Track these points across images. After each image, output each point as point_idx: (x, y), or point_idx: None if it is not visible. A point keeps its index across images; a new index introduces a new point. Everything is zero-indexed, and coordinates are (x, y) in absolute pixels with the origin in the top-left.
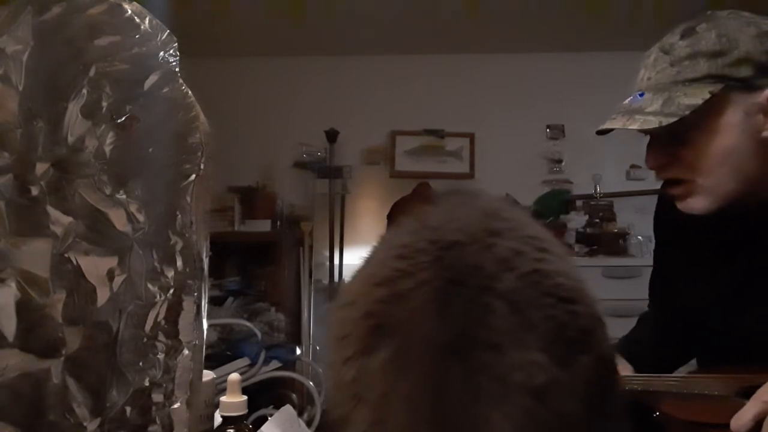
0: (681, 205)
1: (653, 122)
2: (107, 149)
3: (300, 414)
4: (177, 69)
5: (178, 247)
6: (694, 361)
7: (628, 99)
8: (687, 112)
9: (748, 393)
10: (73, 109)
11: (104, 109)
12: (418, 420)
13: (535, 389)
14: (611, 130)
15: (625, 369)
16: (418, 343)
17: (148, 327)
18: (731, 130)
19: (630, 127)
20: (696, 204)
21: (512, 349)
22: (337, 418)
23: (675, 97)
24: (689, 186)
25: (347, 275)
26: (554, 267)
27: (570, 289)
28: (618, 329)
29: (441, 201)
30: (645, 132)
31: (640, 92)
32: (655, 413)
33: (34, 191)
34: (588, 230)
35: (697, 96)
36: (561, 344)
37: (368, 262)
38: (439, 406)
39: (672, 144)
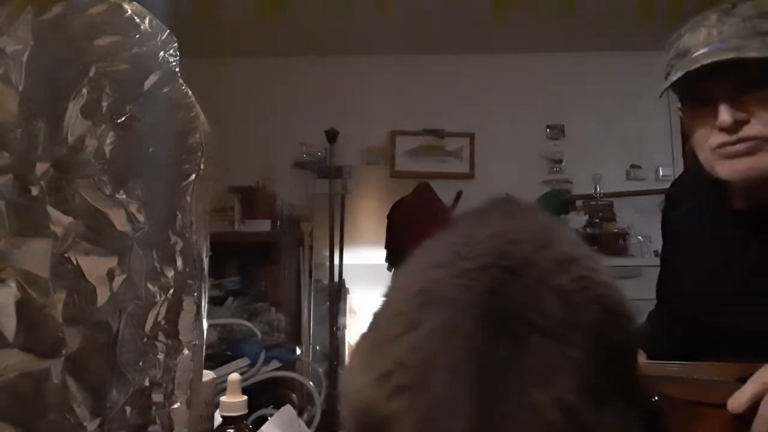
0: (736, 164)
1: (765, 51)
2: (107, 149)
3: (300, 414)
4: (177, 69)
5: (178, 247)
6: None
7: (699, 52)
8: None
9: (747, 379)
10: (73, 109)
11: (104, 109)
12: (462, 385)
13: (576, 384)
14: (721, 61)
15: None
16: (469, 318)
17: (148, 327)
18: None
19: (749, 55)
20: (761, 165)
21: (560, 341)
22: (379, 396)
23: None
24: (758, 144)
25: (347, 275)
26: (602, 279)
27: (615, 301)
28: None
29: (496, 205)
30: (714, 78)
31: (712, 45)
32: (654, 398)
33: (34, 191)
34: (588, 230)
35: None
36: (600, 349)
37: (425, 250)
38: (483, 377)
39: (751, 100)
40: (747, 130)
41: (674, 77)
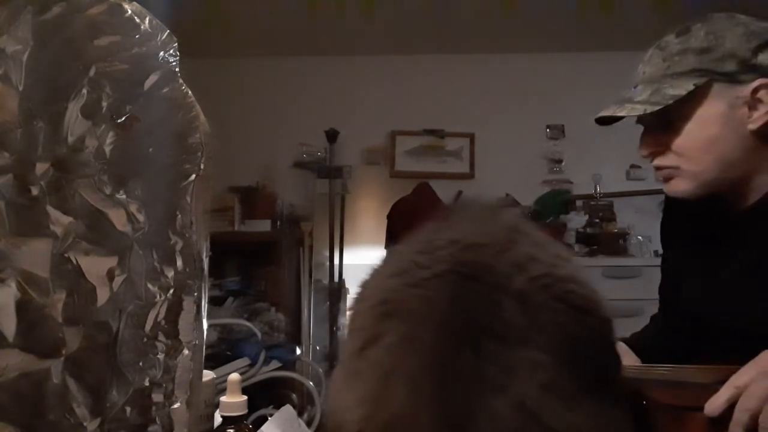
0: (666, 187)
1: (639, 110)
2: (107, 149)
3: (300, 414)
4: (177, 69)
5: (178, 247)
6: None
7: (625, 92)
8: (670, 102)
9: (726, 382)
10: (73, 109)
11: (104, 109)
12: (420, 398)
13: (537, 387)
14: (607, 118)
15: (632, 361)
16: (428, 328)
17: (148, 327)
18: (716, 121)
19: (618, 114)
20: (679, 186)
21: (520, 345)
22: (341, 407)
23: (662, 88)
24: (675, 170)
25: (347, 275)
26: (567, 273)
27: (581, 297)
28: (618, 329)
29: (462, 208)
30: (638, 120)
31: (635, 85)
32: (643, 401)
33: (34, 191)
34: (588, 230)
35: (682, 87)
36: (567, 349)
37: (386, 259)
38: (442, 386)
39: (662, 133)
40: (659, 160)
41: (596, 115)
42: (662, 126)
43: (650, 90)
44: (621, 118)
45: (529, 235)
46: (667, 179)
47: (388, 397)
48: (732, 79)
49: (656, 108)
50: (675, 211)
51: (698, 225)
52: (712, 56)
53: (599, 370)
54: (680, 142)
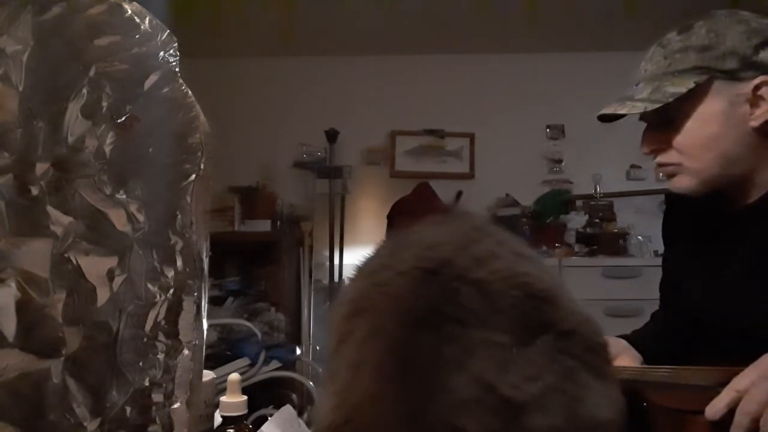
0: (669, 184)
1: (640, 107)
2: (107, 149)
3: (300, 414)
4: (177, 69)
5: (178, 247)
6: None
7: (627, 90)
8: (671, 99)
9: (727, 384)
10: (73, 109)
11: (104, 109)
12: (382, 381)
13: (495, 363)
14: (608, 116)
15: (634, 359)
16: (390, 318)
17: (148, 327)
18: (717, 118)
19: (619, 112)
20: (681, 183)
21: (478, 326)
22: (320, 405)
23: (663, 86)
24: (677, 167)
25: (347, 275)
26: (527, 269)
27: (541, 289)
28: (618, 329)
29: (433, 218)
30: (640, 117)
31: (636, 83)
32: (644, 403)
33: (34, 191)
34: (588, 230)
35: (683, 85)
36: (525, 330)
37: (359, 266)
38: (405, 371)
39: (664, 131)
40: (661, 158)
41: (598, 113)
42: (664, 123)
43: (651, 88)
44: (623, 115)
45: (492, 236)
46: (669, 176)
47: (355, 385)
48: (733, 76)
49: (657, 106)
50: (676, 209)
51: (700, 223)
52: (713, 54)
53: (558, 346)
54: (681, 139)
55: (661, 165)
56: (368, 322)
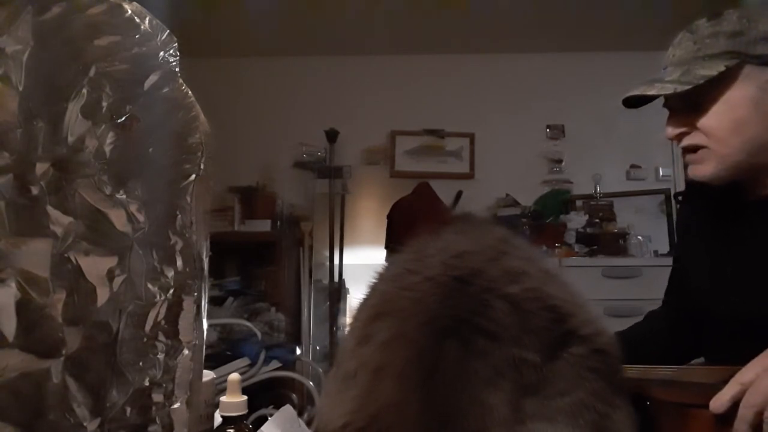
0: (691, 170)
1: (669, 89)
2: (107, 149)
3: (300, 414)
4: (177, 69)
5: (178, 247)
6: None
7: (654, 75)
8: (701, 81)
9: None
10: (73, 109)
11: (104, 109)
12: (406, 389)
13: (524, 385)
14: (635, 99)
15: None
16: (417, 325)
17: (148, 327)
18: (745, 103)
19: (648, 93)
20: (706, 169)
21: (509, 343)
22: (330, 404)
23: (693, 68)
24: (702, 153)
25: (347, 275)
26: (553, 293)
27: (569, 314)
28: (618, 329)
29: (455, 223)
30: (665, 103)
31: (664, 67)
32: (648, 402)
33: (34, 191)
34: (588, 230)
35: (713, 68)
36: (554, 352)
37: (385, 267)
38: (430, 382)
39: (690, 114)
40: (688, 140)
41: (626, 95)
42: (690, 107)
43: (680, 71)
44: (649, 99)
45: (518, 248)
46: (694, 162)
47: (377, 390)
48: (764, 61)
49: (687, 87)
50: (694, 200)
51: (715, 214)
52: (744, 39)
53: (588, 375)
54: (708, 122)
55: (686, 149)
56: (391, 326)
